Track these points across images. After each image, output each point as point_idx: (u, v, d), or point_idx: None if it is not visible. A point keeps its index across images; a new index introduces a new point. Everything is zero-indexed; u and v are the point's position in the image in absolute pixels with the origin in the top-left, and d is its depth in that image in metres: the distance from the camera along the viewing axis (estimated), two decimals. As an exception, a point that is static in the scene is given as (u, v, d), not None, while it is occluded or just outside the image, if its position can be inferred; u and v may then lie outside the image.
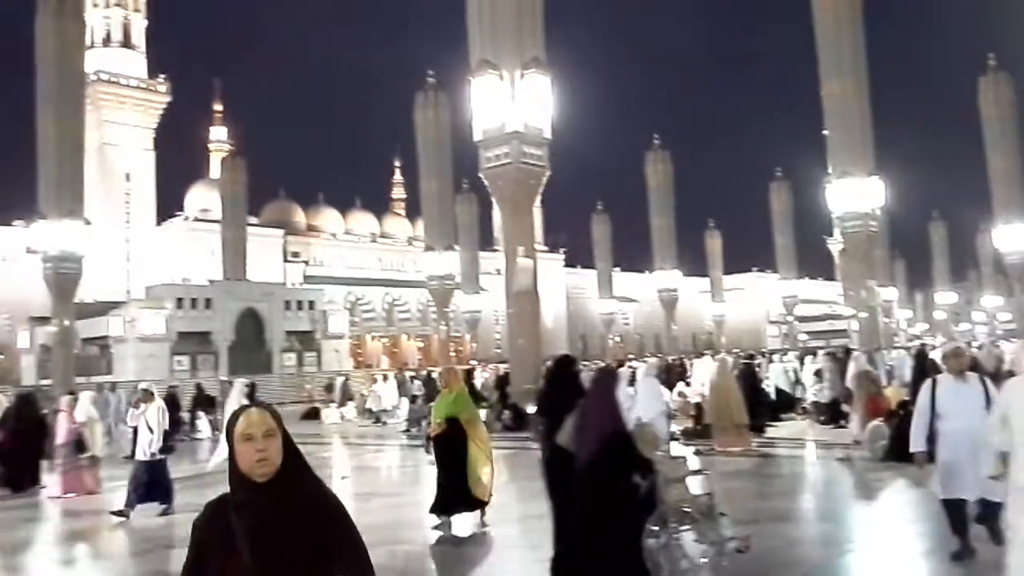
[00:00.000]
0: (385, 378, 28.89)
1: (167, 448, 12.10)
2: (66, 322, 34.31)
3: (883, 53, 46.87)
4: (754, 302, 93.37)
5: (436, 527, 9.42)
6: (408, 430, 23.08)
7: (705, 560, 6.56)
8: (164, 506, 11.63)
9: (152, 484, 11.66)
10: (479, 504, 9.41)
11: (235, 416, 2.48)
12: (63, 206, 33.41)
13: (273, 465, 2.42)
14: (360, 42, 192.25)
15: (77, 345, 39.57)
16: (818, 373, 20.39)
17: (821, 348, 34.21)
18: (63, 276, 33.59)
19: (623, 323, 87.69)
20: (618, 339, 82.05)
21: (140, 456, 11.91)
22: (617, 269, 75.84)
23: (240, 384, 16.52)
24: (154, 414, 11.95)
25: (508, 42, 24.24)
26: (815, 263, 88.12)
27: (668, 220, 59.82)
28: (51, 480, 14.32)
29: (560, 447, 6.18)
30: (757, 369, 21.76)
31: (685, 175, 62.19)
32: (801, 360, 24.11)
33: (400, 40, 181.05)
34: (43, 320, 43.27)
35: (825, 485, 12.74)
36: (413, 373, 34.17)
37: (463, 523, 9.41)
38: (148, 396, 12.42)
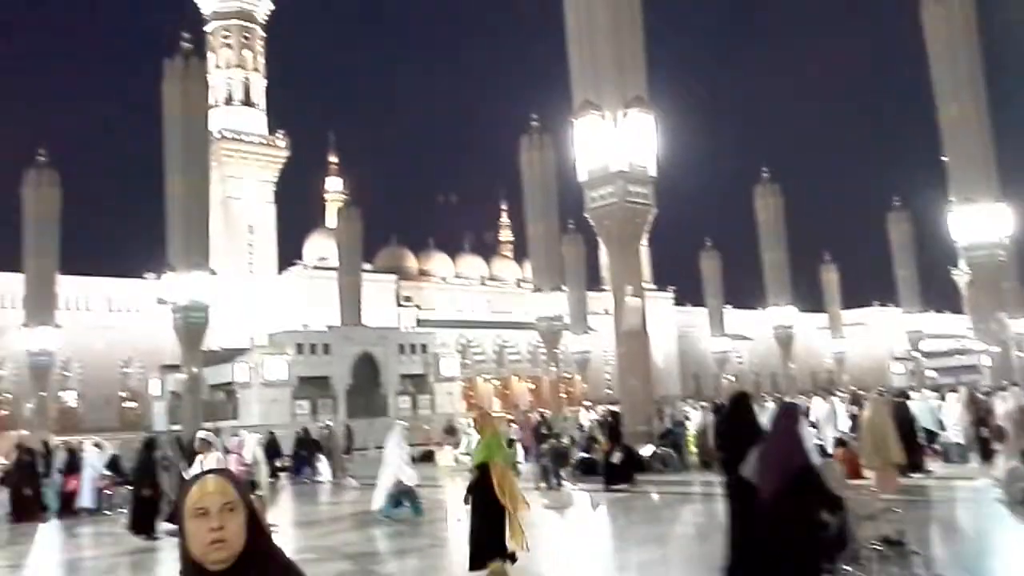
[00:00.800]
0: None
1: None
2: (194, 369, 35.91)
3: (1002, 72, 44.75)
4: (876, 338, 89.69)
5: None
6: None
7: None
8: None
9: None
10: (511, 556, 8.77)
11: (188, 485, 2.03)
12: (190, 259, 35.17)
13: (231, 549, 1.92)
14: (465, 89, 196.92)
15: (205, 391, 41.25)
16: (987, 411, 19.07)
17: (959, 384, 32.44)
18: (191, 325, 35.24)
19: (737, 362, 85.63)
20: (732, 378, 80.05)
21: None
22: (728, 306, 74.31)
23: (400, 427, 16.25)
24: (212, 465, 11.40)
25: (610, 82, 24.31)
26: (940, 295, 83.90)
27: (780, 254, 58.32)
28: None
29: (743, 479, 6.23)
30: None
31: (797, 208, 60.88)
32: (942, 397, 22.90)
33: (503, 85, 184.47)
34: (173, 368, 45.47)
35: (965, 527, 12.09)
36: (511, 416, 34.14)
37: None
38: (206, 446, 12.02)
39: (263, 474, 15.50)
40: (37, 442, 25.79)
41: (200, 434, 13.57)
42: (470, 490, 9.21)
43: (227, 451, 15.61)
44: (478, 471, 9.00)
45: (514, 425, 28.71)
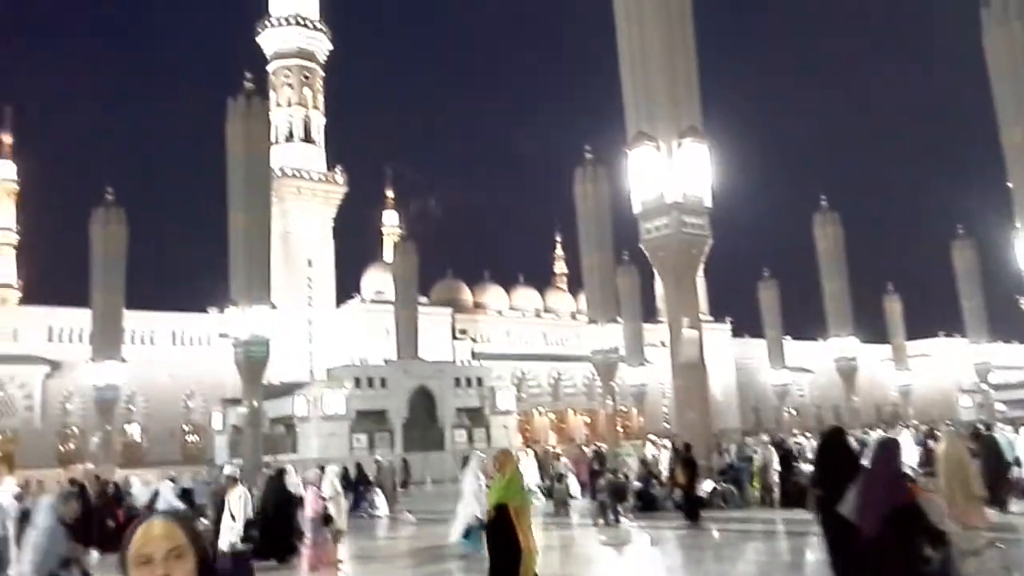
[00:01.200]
0: (526, 455, 28.62)
1: (248, 538, 11.21)
2: (255, 403, 36.38)
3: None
4: (942, 370, 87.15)
5: None
6: (557, 511, 22.67)
7: None
8: None
9: None
10: None
11: (133, 528, 1.86)
12: (252, 293, 35.82)
13: None
14: (519, 122, 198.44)
15: (265, 425, 41.72)
16: None
17: None
18: (252, 359, 35.76)
19: (798, 395, 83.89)
20: (793, 412, 78.46)
21: (223, 547, 10.77)
22: (788, 337, 72.94)
23: (477, 457, 16.08)
24: (236, 502, 11.14)
25: (664, 113, 24.29)
26: (1008, 325, 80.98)
27: (841, 285, 57.12)
28: (302, 553, 14.56)
29: (841, 517, 6.15)
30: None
31: (857, 236, 59.52)
32: (1016, 430, 22.10)
33: (557, 118, 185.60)
34: (234, 402, 46.17)
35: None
36: (562, 450, 33.84)
37: None
38: (232, 482, 11.69)
39: (342, 507, 15.45)
40: (92, 477, 26.33)
41: (227, 470, 13.21)
42: (487, 528, 9.17)
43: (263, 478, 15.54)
44: (495, 511, 8.88)
45: (564, 459, 28.44)
